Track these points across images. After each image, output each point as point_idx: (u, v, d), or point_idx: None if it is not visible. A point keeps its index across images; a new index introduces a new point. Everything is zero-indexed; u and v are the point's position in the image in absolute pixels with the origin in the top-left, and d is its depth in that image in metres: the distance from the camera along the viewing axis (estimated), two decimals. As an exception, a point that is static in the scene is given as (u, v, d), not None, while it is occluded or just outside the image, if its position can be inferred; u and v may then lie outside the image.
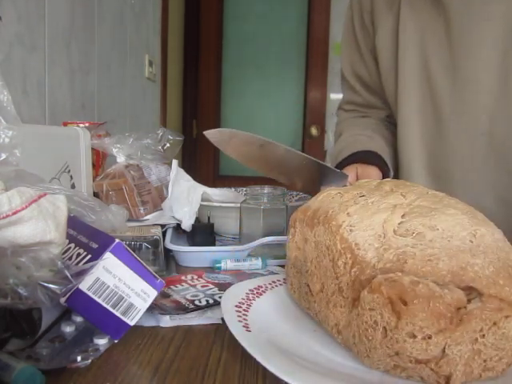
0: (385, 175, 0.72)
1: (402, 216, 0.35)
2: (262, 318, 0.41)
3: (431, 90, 0.71)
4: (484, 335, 0.31)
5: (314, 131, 2.67)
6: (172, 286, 0.52)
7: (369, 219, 0.35)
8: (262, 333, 0.38)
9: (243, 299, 0.44)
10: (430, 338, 0.30)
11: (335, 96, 2.66)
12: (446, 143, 0.72)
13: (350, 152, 0.74)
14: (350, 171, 0.69)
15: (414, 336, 0.31)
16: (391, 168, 0.77)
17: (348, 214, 0.37)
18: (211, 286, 0.53)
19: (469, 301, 0.31)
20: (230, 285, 0.53)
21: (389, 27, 0.75)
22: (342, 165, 0.73)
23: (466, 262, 0.31)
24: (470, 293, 0.31)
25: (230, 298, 0.44)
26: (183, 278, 0.55)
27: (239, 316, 0.40)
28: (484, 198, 0.67)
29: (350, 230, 0.35)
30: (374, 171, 0.69)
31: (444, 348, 0.30)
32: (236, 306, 0.42)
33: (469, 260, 0.31)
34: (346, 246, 0.35)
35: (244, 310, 0.42)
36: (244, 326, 0.38)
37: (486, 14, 0.64)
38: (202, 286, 0.53)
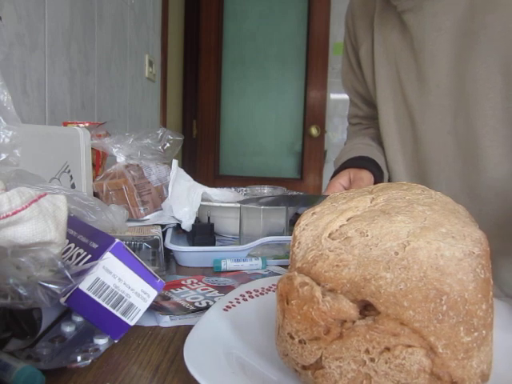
0: (376, 177, 0.78)
1: (348, 219, 0.33)
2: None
3: (404, 101, 0.78)
4: (373, 359, 0.27)
5: (313, 131, 2.67)
6: (172, 290, 0.52)
7: (320, 220, 0.35)
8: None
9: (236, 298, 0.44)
10: (304, 343, 0.29)
11: (335, 96, 2.66)
12: (420, 146, 0.78)
13: (346, 159, 0.81)
14: (343, 175, 0.76)
15: (292, 338, 0.30)
16: (385, 171, 0.83)
17: (313, 213, 0.36)
18: (211, 289, 0.53)
19: (364, 316, 0.28)
20: (230, 287, 0.53)
21: (367, 47, 0.84)
22: (338, 171, 0.80)
23: (372, 274, 0.28)
24: (373, 309, 0.28)
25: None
26: (183, 282, 0.55)
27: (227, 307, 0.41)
28: (458, 194, 0.72)
29: (303, 229, 0.35)
30: (365, 174, 0.76)
31: (320, 358, 0.29)
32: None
33: (378, 272, 0.27)
34: (293, 243, 0.35)
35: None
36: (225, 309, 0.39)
37: (436, 25, 0.71)
38: (202, 289, 0.53)
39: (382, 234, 0.30)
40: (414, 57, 0.75)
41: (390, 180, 0.84)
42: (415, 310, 0.26)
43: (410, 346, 0.26)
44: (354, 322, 0.28)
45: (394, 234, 0.29)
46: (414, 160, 0.80)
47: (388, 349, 0.27)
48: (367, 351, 0.27)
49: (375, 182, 0.77)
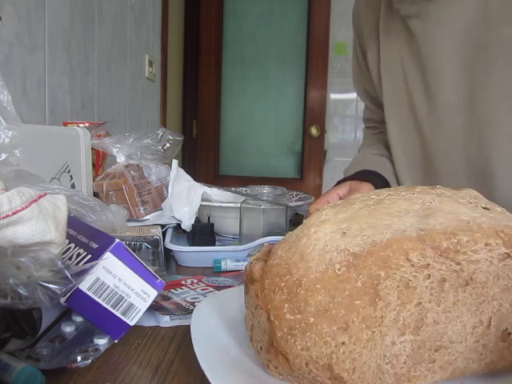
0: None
1: (326, 208, 0.39)
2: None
3: (414, 117, 0.73)
4: (254, 314, 0.33)
5: (313, 131, 2.67)
6: (172, 290, 0.52)
7: None
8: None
9: None
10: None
11: (335, 96, 2.66)
12: (429, 167, 0.73)
13: (354, 171, 0.77)
14: (344, 186, 0.72)
15: None
16: (395, 185, 0.78)
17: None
18: (211, 289, 0.53)
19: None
20: (230, 287, 0.53)
21: (373, 54, 0.79)
22: (341, 181, 0.77)
23: (277, 250, 0.34)
24: None
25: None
26: (183, 282, 0.55)
27: None
28: None
29: None
30: (365, 186, 0.71)
31: (245, 304, 0.36)
32: None
33: (278, 250, 0.34)
34: None
35: None
36: None
37: (444, 34, 0.65)
38: (202, 289, 0.53)
39: (307, 221, 0.35)
40: (421, 68, 0.69)
41: None
42: (267, 280, 0.32)
43: (262, 309, 0.31)
44: (255, 282, 0.34)
45: (307, 222, 0.35)
46: (421, 178, 0.76)
47: (256, 306, 0.32)
48: (253, 306, 0.33)
49: None
